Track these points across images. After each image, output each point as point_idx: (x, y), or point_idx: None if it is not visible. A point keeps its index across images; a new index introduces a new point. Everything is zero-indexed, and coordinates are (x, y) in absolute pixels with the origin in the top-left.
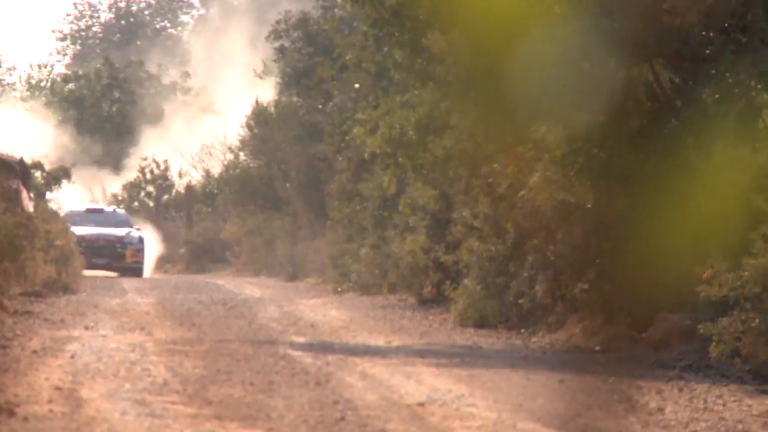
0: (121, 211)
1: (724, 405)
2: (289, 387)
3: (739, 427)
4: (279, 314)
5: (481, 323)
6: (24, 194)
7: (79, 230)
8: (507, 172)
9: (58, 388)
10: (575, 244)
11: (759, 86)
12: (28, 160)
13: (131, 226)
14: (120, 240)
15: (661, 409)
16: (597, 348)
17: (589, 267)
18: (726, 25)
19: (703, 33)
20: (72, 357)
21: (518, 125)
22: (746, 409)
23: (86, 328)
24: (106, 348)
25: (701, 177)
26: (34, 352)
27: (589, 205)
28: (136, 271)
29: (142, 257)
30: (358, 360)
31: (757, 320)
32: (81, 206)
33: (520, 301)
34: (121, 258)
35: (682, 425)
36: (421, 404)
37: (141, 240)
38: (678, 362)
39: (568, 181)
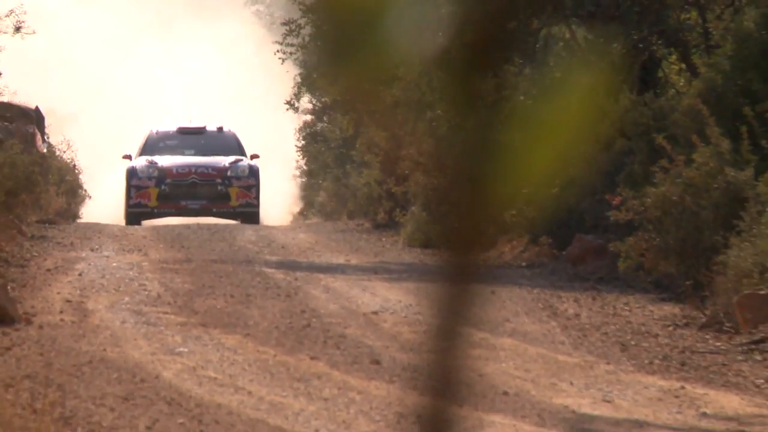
0: (229, 130)
1: (630, 311)
2: (263, 299)
3: (643, 328)
4: (255, 237)
5: (426, 244)
6: (38, 137)
7: (161, 160)
8: (447, 117)
9: (68, 301)
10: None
11: (660, 42)
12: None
13: (243, 153)
14: (221, 173)
15: (577, 315)
16: (523, 264)
17: (517, 196)
18: None
19: None
20: (80, 274)
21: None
22: (648, 314)
23: (92, 250)
24: (108, 267)
25: (611, 119)
26: (48, 270)
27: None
28: (246, 217)
29: (256, 197)
30: (321, 276)
31: (657, 239)
32: (170, 125)
33: (457, 225)
34: (223, 199)
35: (595, 328)
36: (375, 313)
37: (253, 172)
38: (592, 275)
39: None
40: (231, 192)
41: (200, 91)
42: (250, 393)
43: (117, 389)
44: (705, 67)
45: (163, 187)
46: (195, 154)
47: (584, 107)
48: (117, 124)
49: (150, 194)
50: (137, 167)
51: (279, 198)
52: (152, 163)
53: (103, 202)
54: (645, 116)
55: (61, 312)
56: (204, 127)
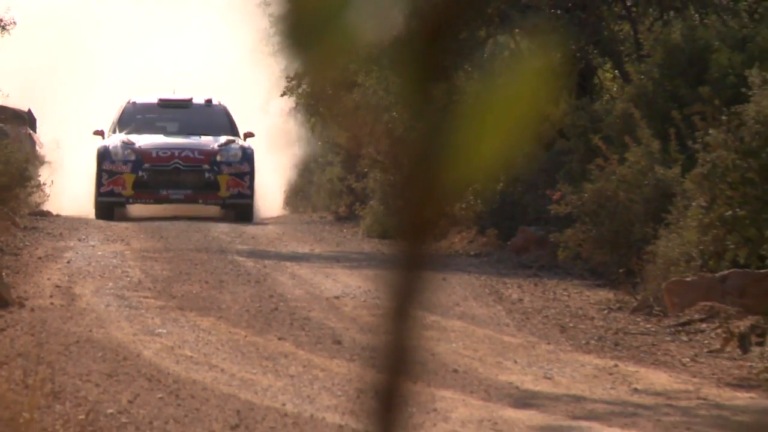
0: (218, 102)
1: (568, 296)
2: (235, 285)
3: (580, 312)
4: (228, 229)
5: (383, 235)
6: (36, 138)
7: (139, 140)
8: (402, 119)
9: (57, 286)
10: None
11: (596, 51)
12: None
13: (235, 132)
14: (209, 157)
15: (521, 299)
16: (472, 253)
17: (466, 192)
18: (570, 5)
19: (552, 11)
20: (68, 262)
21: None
22: (585, 299)
23: (79, 240)
24: (94, 255)
25: (551, 122)
26: (39, 258)
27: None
28: (238, 210)
29: (249, 186)
30: (288, 263)
31: (593, 231)
32: (150, 95)
33: (411, 218)
34: (211, 189)
35: (537, 311)
36: (337, 297)
37: (247, 157)
38: (534, 263)
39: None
40: (220, 180)
41: (187, 58)
42: (222, 370)
43: (102, 367)
44: (636, 74)
45: (140, 173)
46: (179, 133)
47: (527, 111)
48: (89, 93)
49: (125, 181)
50: (110, 147)
51: (273, 185)
52: (128, 144)
53: (69, 190)
54: (582, 119)
55: (51, 296)
56: (190, 99)
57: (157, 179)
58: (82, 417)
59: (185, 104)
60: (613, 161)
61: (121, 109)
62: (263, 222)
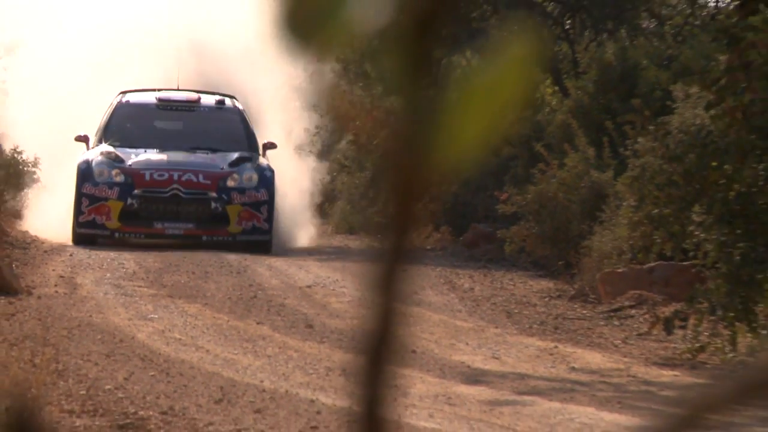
0: (232, 103)
1: (514, 285)
2: (219, 275)
3: (524, 299)
4: None
5: (350, 231)
6: None
7: (130, 156)
8: (366, 128)
9: (61, 277)
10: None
11: (538, 69)
12: None
13: (252, 144)
14: (216, 181)
15: (472, 288)
16: (428, 248)
17: (423, 193)
18: (515, 28)
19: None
20: (70, 255)
21: (372, 97)
22: (528, 288)
23: None
24: (93, 249)
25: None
26: (45, 252)
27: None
28: (253, 247)
29: (267, 218)
30: (265, 256)
31: (536, 228)
32: (147, 94)
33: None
34: (218, 223)
35: (486, 299)
36: (309, 286)
37: (265, 181)
38: (483, 257)
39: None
40: (230, 212)
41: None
42: (208, 351)
43: (101, 348)
44: (574, 89)
45: (129, 200)
46: (180, 146)
47: (479, 121)
48: (76, 89)
49: (109, 210)
50: (93, 164)
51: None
52: (116, 161)
53: (50, 209)
54: (526, 129)
55: (55, 285)
56: (197, 100)
57: (151, 209)
58: (83, 392)
59: (190, 106)
60: (553, 166)
61: (111, 110)
62: None
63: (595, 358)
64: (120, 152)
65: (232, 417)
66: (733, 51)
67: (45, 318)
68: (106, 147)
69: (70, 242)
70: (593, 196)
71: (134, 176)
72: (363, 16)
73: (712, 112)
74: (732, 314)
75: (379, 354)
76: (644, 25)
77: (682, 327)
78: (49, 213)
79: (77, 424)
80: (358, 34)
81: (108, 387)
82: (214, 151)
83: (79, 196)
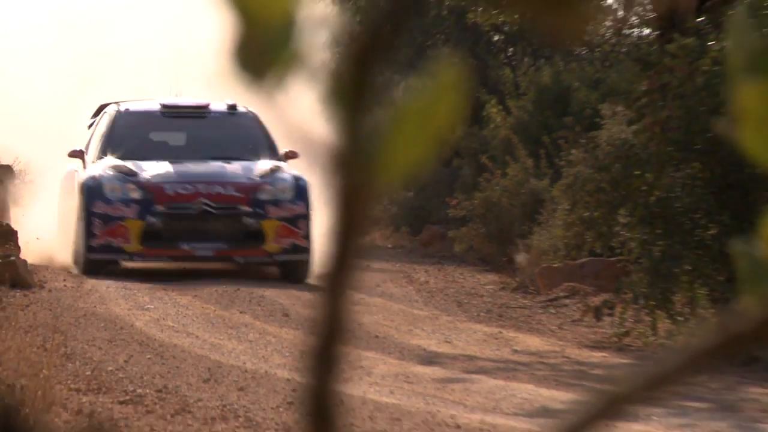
0: (247, 110)
1: (464, 279)
2: (207, 276)
3: (473, 291)
4: None
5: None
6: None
7: (143, 168)
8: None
9: (69, 272)
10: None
11: (484, 90)
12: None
13: (273, 151)
14: (249, 193)
15: (427, 281)
16: (389, 246)
17: (384, 198)
18: (459, 54)
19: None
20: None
21: (333, 114)
22: (476, 281)
23: None
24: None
25: (450, 145)
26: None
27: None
28: (292, 269)
29: (306, 235)
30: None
31: (482, 229)
32: (149, 102)
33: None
34: (253, 240)
35: (440, 290)
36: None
37: (301, 191)
38: (437, 254)
39: None
40: (266, 228)
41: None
42: (197, 337)
43: (104, 334)
44: (515, 108)
45: (150, 218)
46: (193, 154)
47: (433, 137)
48: (64, 97)
49: (127, 230)
50: (102, 180)
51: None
52: (129, 175)
53: (36, 229)
54: (474, 142)
55: (64, 280)
56: (206, 106)
57: (176, 228)
58: (88, 373)
59: (200, 112)
60: (497, 175)
61: (111, 121)
62: None
63: (534, 342)
64: (131, 165)
65: (219, 394)
66: (648, 75)
67: (55, 308)
68: (113, 160)
69: (71, 268)
70: (532, 201)
71: (153, 191)
72: (311, 47)
73: (635, 127)
74: (653, 303)
75: (327, 341)
76: (576, 52)
77: (610, 314)
78: (32, 233)
79: (83, 400)
80: (308, 64)
81: (110, 368)
82: (236, 159)
83: (89, 216)
